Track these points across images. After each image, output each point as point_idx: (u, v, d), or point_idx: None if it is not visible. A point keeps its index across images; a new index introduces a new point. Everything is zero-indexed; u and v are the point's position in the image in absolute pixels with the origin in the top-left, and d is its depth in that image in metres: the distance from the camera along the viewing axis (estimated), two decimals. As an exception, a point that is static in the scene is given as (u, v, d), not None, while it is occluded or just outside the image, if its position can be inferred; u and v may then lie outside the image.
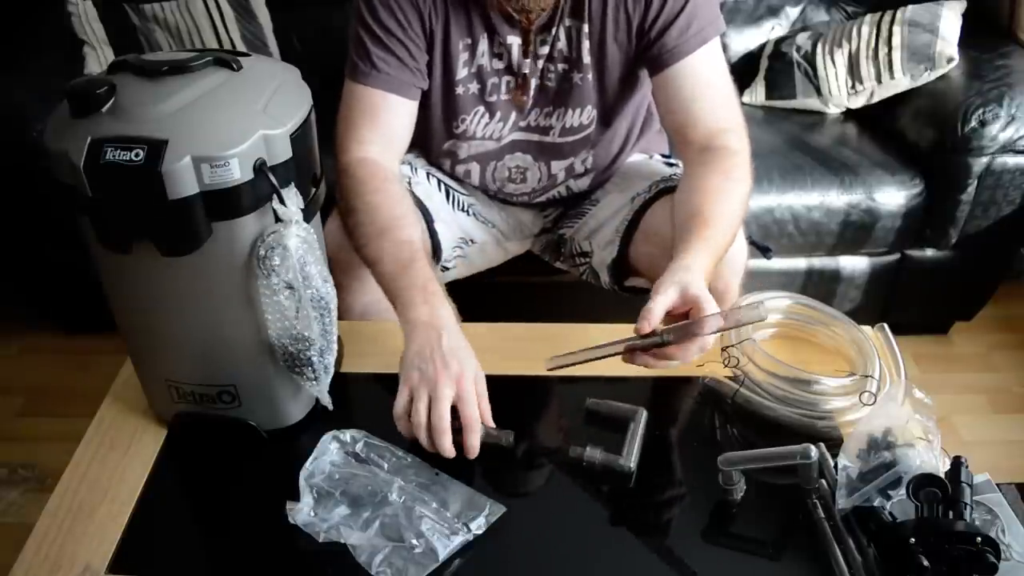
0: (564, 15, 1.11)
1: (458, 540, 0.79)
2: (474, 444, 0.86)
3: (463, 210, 1.30)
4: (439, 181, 1.28)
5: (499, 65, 1.15)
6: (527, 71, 1.15)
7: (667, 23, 1.07)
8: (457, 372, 0.86)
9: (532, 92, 1.18)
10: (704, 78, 1.09)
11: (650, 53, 1.10)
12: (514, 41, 1.13)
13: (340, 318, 0.91)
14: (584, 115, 1.20)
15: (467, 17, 1.11)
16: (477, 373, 0.88)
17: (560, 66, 1.15)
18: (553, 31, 1.12)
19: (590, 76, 1.16)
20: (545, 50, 1.14)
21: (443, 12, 1.10)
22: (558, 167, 1.27)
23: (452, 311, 0.94)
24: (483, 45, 1.14)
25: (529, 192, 1.31)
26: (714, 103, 1.10)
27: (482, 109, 1.19)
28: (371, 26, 1.09)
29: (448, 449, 0.85)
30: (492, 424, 0.88)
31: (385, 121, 1.12)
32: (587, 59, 1.14)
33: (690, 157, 1.09)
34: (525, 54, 1.14)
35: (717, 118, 1.09)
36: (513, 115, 1.20)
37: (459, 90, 1.17)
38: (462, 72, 1.15)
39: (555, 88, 1.18)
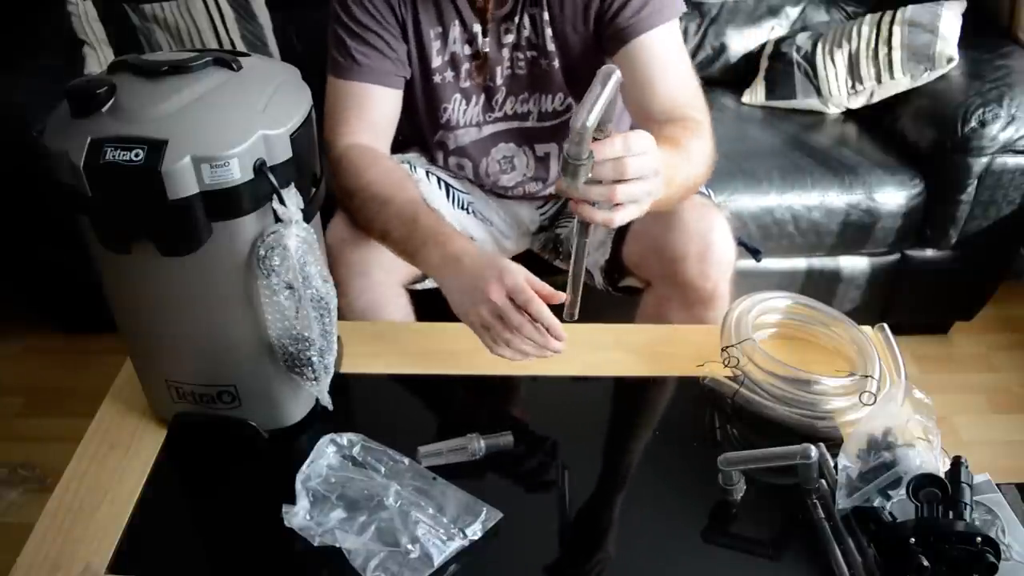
0: (526, 3, 1.14)
1: (454, 546, 0.78)
2: (551, 323, 0.89)
3: (463, 208, 1.31)
4: (439, 179, 1.29)
5: (469, 51, 1.18)
6: (489, 53, 1.18)
7: (621, 5, 1.09)
8: (496, 275, 0.88)
9: (499, 79, 1.20)
10: (663, 57, 1.10)
11: (607, 32, 1.11)
12: (479, 27, 1.16)
13: (340, 318, 0.91)
14: (557, 101, 1.23)
15: (436, 6, 1.14)
16: (509, 268, 0.89)
17: (529, 53, 1.18)
18: (516, 19, 1.15)
19: (556, 63, 1.18)
20: (511, 38, 1.17)
21: (411, 2, 1.13)
22: (543, 149, 1.29)
23: (464, 239, 0.97)
24: (454, 32, 1.16)
25: (521, 180, 1.32)
26: (675, 81, 1.09)
27: (459, 96, 1.22)
28: (346, 23, 1.12)
29: (550, 335, 0.89)
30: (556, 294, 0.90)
31: (371, 112, 1.15)
32: (550, 46, 1.16)
33: (651, 130, 1.07)
34: (484, 34, 1.16)
35: (678, 96, 1.08)
36: (483, 98, 1.23)
37: (436, 79, 1.19)
38: (437, 60, 1.18)
39: (526, 75, 1.20)
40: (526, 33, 1.16)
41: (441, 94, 1.21)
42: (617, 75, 0.76)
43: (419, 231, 0.99)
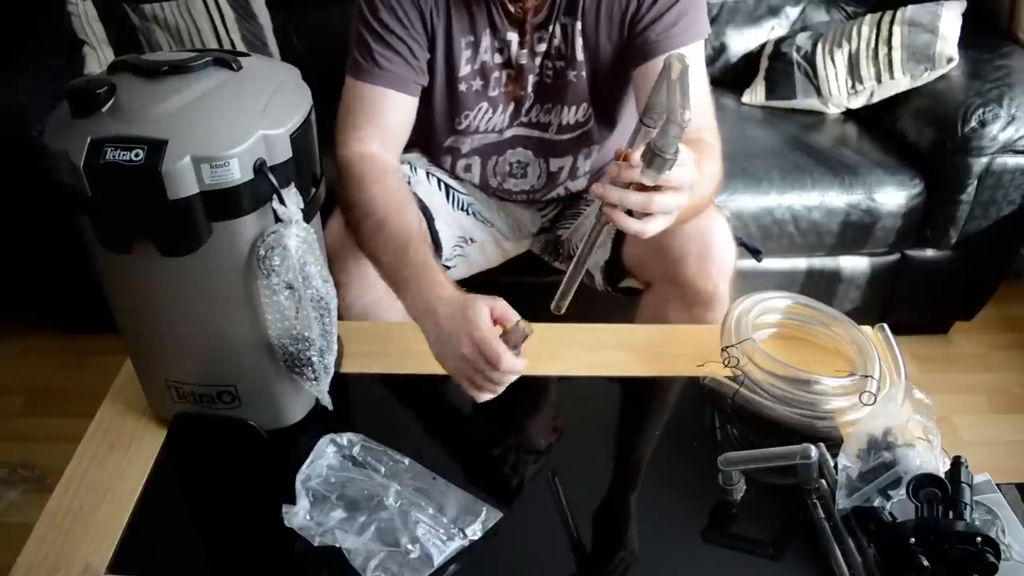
0: (560, 12, 1.13)
1: (454, 545, 0.79)
2: (510, 367, 0.88)
3: (463, 209, 1.31)
4: (439, 180, 1.28)
5: (500, 60, 1.17)
6: (524, 63, 1.17)
7: (655, 17, 1.09)
8: (467, 334, 0.87)
9: (530, 87, 1.19)
10: None
11: (634, 44, 1.11)
12: (513, 37, 1.14)
13: (340, 318, 0.91)
14: (579, 112, 1.22)
15: (470, 15, 1.13)
16: (477, 322, 0.88)
17: (557, 63, 1.17)
18: (550, 28, 1.14)
19: (584, 73, 1.17)
20: (543, 47, 1.16)
21: (445, 11, 1.11)
22: (556, 164, 1.28)
23: (443, 285, 0.95)
24: (486, 41, 1.15)
25: (528, 189, 1.31)
26: (693, 103, 1.10)
27: (485, 104, 1.21)
28: (372, 24, 1.10)
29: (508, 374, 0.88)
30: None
31: (386, 118, 1.13)
32: (580, 56, 1.15)
33: None
34: (522, 45, 1.15)
35: (694, 119, 1.09)
36: (512, 106, 1.21)
37: (462, 87, 1.18)
38: (465, 69, 1.16)
39: (552, 84, 1.19)
40: (556, 42, 1.15)
41: (465, 102, 1.19)
42: (687, 63, 0.75)
43: (407, 266, 0.97)
